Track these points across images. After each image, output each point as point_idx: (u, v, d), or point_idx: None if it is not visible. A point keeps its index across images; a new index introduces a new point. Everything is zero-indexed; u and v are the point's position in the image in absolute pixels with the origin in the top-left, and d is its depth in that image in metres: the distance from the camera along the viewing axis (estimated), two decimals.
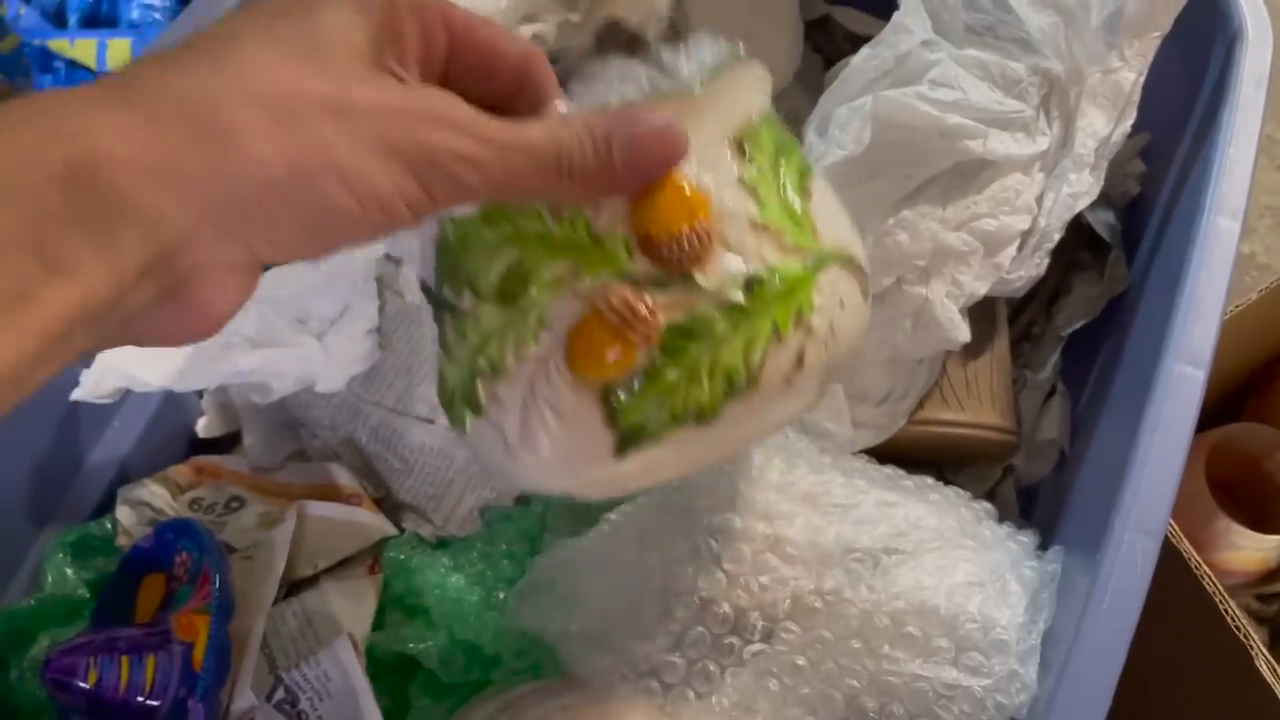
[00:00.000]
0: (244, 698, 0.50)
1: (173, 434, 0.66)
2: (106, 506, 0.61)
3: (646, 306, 0.33)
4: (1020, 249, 0.55)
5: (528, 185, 0.31)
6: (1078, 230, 0.67)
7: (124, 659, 0.50)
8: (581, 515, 0.59)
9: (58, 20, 0.95)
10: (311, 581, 0.57)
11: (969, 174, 0.55)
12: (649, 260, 0.34)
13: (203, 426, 0.66)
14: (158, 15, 0.93)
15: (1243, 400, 0.86)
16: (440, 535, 0.60)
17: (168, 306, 0.28)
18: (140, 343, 0.29)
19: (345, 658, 0.51)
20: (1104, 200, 0.67)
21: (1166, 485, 0.46)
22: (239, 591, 0.53)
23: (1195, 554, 0.56)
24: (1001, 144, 0.54)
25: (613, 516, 0.52)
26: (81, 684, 0.49)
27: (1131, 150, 0.68)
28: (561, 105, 0.35)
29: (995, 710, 0.44)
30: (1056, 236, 0.55)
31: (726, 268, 0.34)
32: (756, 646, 0.47)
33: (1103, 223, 0.66)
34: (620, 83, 0.36)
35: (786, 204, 0.36)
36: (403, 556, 0.57)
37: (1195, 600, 0.56)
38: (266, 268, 0.30)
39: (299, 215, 0.28)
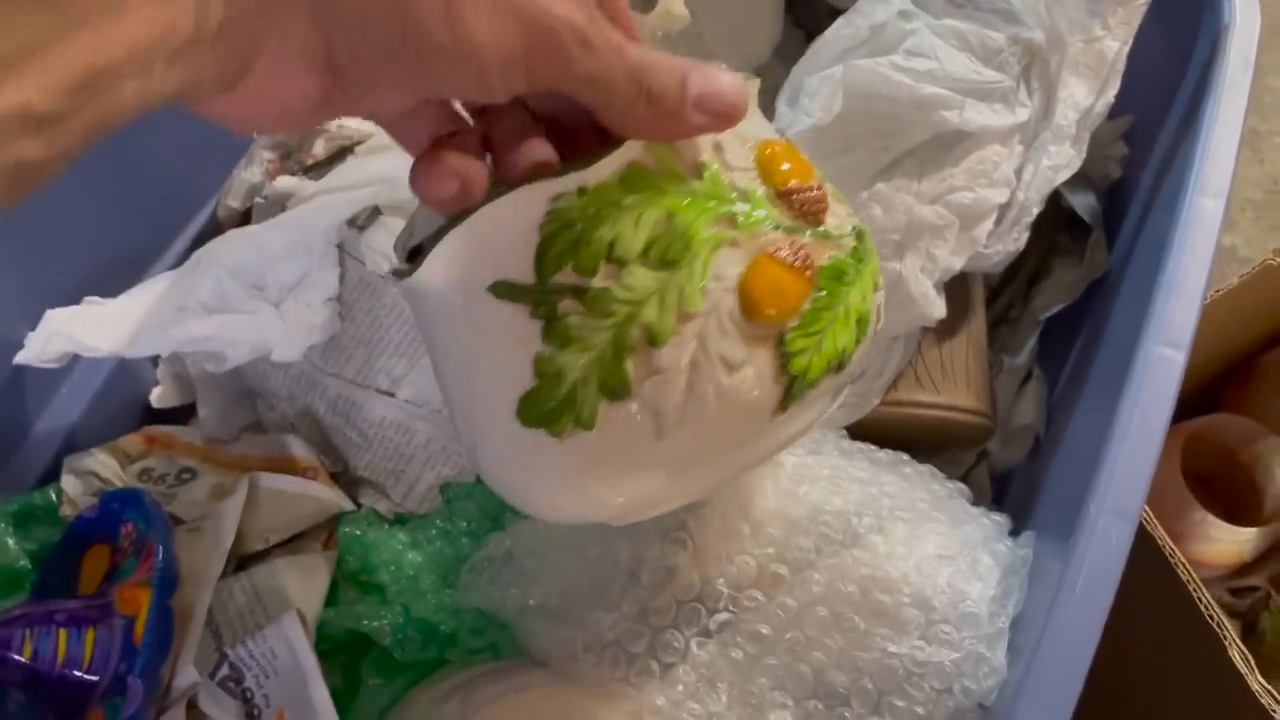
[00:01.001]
0: (186, 674, 0.48)
1: (125, 404, 0.64)
2: (52, 476, 0.59)
3: (807, 246, 0.36)
4: (998, 223, 0.54)
5: (614, 91, 0.31)
6: (1058, 214, 0.66)
7: (62, 631, 0.48)
8: None
9: None
10: (262, 556, 0.55)
11: (946, 146, 0.53)
12: (789, 211, 0.36)
13: (157, 396, 0.64)
14: None
15: (1219, 392, 0.85)
16: (399, 511, 0.59)
17: (234, 74, 0.27)
18: (198, 109, 0.28)
19: (293, 634, 0.49)
20: (1085, 183, 0.66)
21: (1143, 468, 0.45)
22: (185, 564, 0.51)
23: (1170, 542, 0.55)
24: (979, 115, 0.52)
25: None
26: (16, 657, 0.47)
27: (1114, 133, 0.67)
28: None
29: (963, 695, 0.43)
30: (1035, 210, 0.54)
31: (839, 221, 0.37)
32: (723, 615, 0.45)
33: (1084, 205, 0.65)
34: None
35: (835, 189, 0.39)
36: (358, 532, 0.56)
37: (1169, 589, 0.54)
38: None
39: (388, 29, 0.27)
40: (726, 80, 0.33)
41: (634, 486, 0.36)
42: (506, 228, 0.34)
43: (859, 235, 0.38)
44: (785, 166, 0.36)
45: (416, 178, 0.34)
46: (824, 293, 0.36)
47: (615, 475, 0.36)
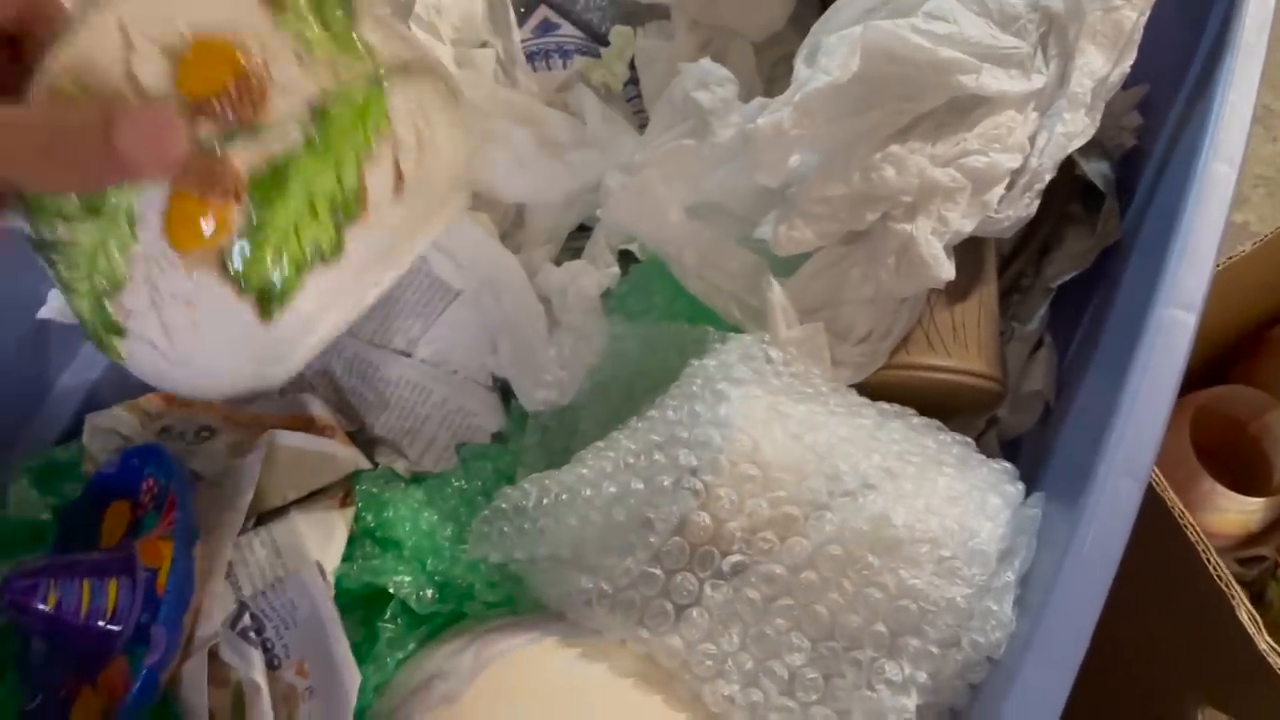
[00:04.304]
0: (209, 624, 0.49)
1: None
2: (74, 433, 0.59)
3: (222, 164, 0.34)
4: (1010, 188, 0.54)
5: (21, 169, 0.30)
6: (1071, 183, 0.66)
7: (85, 582, 0.49)
8: (557, 452, 0.58)
9: None
10: (280, 512, 0.56)
11: (961, 110, 0.53)
12: (208, 122, 0.34)
13: None
14: None
15: (1229, 364, 0.86)
16: (415, 471, 0.59)
17: None
18: None
19: (314, 586, 0.50)
20: (1099, 152, 0.66)
21: (1153, 429, 0.45)
22: (205, 518, 0.52)
23: (1180, 504, 0.55)
24: (995, 80, 0.52)
25: (587, 454, 0.51)
26: (41, 606, 0.48)
27: (1128, 103, 0.67)
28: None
29: (971, 648, 0.43)
30: (1048, 177, 0.54)
31: (286, 108, 0.34)
32: (735, 558, 0.46)
33: (1098, 173, 0.65)
34: None
35: (335, 35, 0.36)
36: (375, 490, 0.57)
37: (1179, 552, 0.55)
38: None
39: None
40: (159, 123, 0.32)
41: (189, 390, 0.39)
42: None
43: (318, 114, 0.35)
44: (202, 66, 0.34)
45: None
46: (259, 205, 0.34)
47: (170, 384, 0.39)
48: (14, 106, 0.31)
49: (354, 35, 0.37)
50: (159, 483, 0.53)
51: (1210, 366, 0.84)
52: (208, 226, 0.34)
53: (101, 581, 0.49)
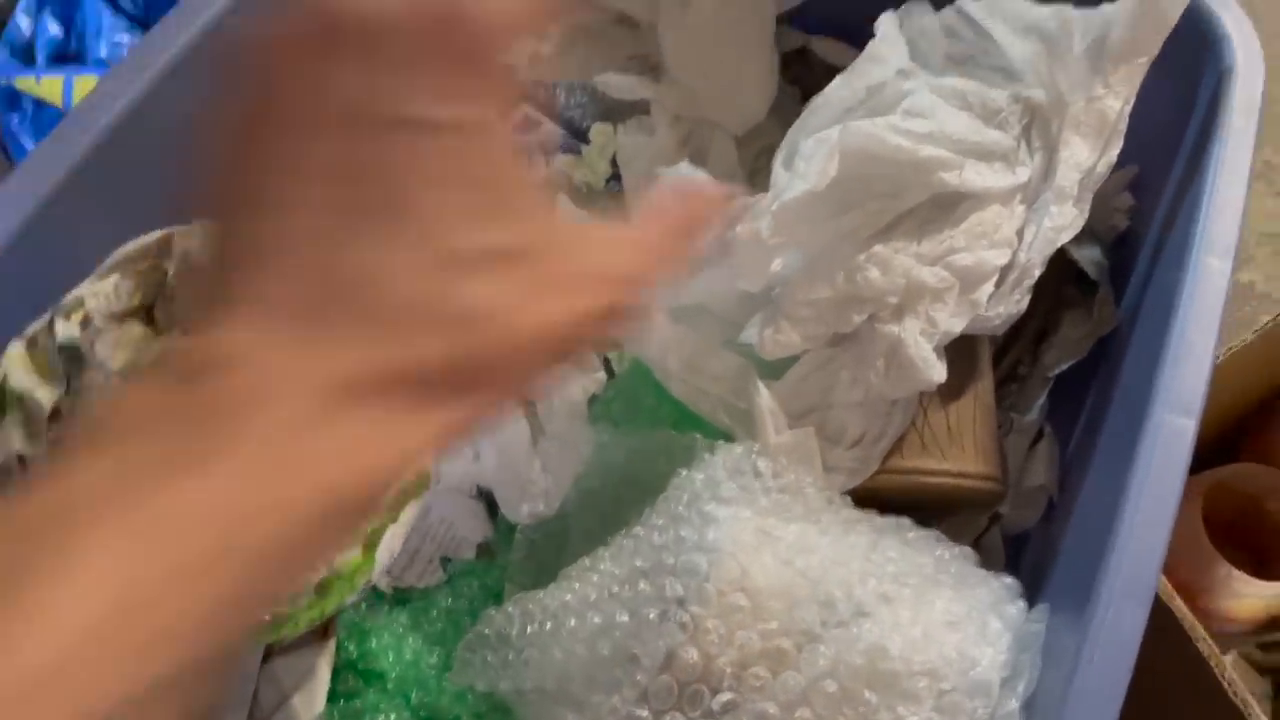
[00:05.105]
0: None
1: None
2: None
3: None
4: (999, 285, 0.53)
5: None
6: (1065, 267, 0.64)
7: None
8: (545, 567, 0.56)
9: (26, 58, 0.93)
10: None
11: (946, 207, 0.52)
12: None
13: None
14: (126, 52, 0.92)
15: (1240, 439, 0.83)
16: (397, 585, 0.58)
17: None
18: None
19: None
20: (1091, 237, 0.65)
21: (1155, 546, 0.43)
22: None
23: (1189, 614, 0.53)
24: (979, 175, 0.51)
25: (573, 574, 0.49)
26: None
27: (1119, 184, 0.66)
28: None
29: None
30: (1037, 272, 0.53)
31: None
32: (726, 695, 0.44)
33: (1090, 260, 0.63)
34: None
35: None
36: (357, 618, 0.55)
37: (1189, 663, 0.53)
38: None
39: None
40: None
41: None
42: None
43: (322, 588, 0.46)
44: None
45: None
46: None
47: None
48: None
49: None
50: None
51: (1220, 442, 0.82)
52: None
53: None
